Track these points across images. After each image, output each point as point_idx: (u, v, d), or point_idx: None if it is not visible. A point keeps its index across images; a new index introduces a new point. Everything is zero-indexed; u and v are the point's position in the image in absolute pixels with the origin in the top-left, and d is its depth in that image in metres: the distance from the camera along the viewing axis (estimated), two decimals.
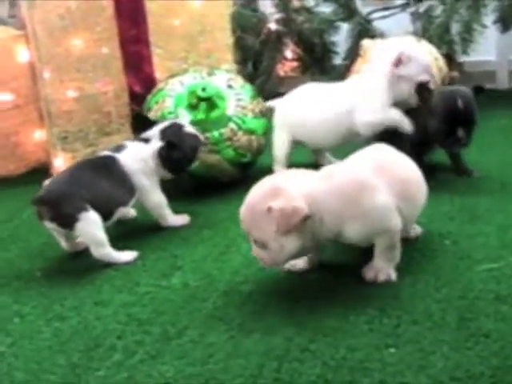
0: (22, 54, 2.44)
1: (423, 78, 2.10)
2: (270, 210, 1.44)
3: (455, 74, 2.86)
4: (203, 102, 2.09)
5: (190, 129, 1.98)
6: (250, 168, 2.28)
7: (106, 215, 1.80)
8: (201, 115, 2.11)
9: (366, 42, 2.61)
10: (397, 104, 2.13)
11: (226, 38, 2.50)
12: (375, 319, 1.44)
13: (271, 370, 1.31)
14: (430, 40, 2.67)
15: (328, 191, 1.51)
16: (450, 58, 2.76)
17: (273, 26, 3.16)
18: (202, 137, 2.01)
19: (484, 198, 1.99)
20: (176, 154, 1.93)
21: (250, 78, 3.12)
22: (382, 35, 2.95)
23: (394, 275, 1.57)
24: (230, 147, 2.11)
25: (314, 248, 1.58)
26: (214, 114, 2.13)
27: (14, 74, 2.45)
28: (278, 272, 1.65)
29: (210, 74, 2.20)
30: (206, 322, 1.50)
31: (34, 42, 2.28)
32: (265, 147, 2.34)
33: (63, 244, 1.88)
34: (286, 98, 2.32)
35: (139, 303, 1.60)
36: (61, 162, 2.40)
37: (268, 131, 2.32)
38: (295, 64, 3.28)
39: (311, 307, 1.51)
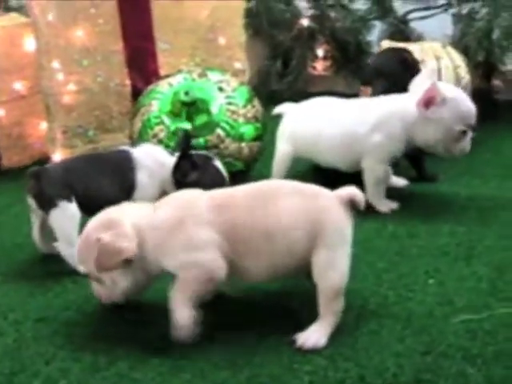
0: (29, 43, 2.36)
1: (458, 127, 1.81)
2: (98, 241, 1.36)
3: (497, 83, 2.63)
4: (186, 107, 1.95)
5: (217, 164, 1.83)
6: (242, 177, 2.13)
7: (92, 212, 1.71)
8: (183, 121, 1.97)
9: (385, 43, 2.42)
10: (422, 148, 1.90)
11: (239, 35, 2.35)
12: (320, 371, 1.28)
13: None
14: (468, 46, 2.45)
15: (152, 225, 1.39)
16: (490, 67, 2.53)
17: (305, 22, 2.97)
18: (226, 178, 1.83)
19: (490, 232, 1.78)
20: (192, 180, 1.77)
21: (279, 76, 3.00)
22: (419, 37, 2.74)
23: (322, 342, 1.35)
24: (218, 155, 1.96)
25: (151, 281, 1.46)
26: (199, 119, 1.99)
27: (20, 63, 2.38)
28: (222, 312, 1.50)
29: (201, 75, 2.06)
30: (141, 354, 1.37)
31: (34, 30, 2.19)
32: (261, 153, 2.18)
33: (37, 238, 1.79)
34: (296, 107, 2.07)
35: (83, 324, 1.50)
36: (59, 158, 2.31)
37: (263, 137, 2.15)
38: (327, 63, 3.09)
39: (252, 350, 1.35)
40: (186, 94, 1.96)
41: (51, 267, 1.75)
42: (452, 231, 1.78)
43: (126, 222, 1.39)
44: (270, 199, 1.38)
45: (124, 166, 1.76)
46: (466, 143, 1.85)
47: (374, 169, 1.89)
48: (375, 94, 2.12)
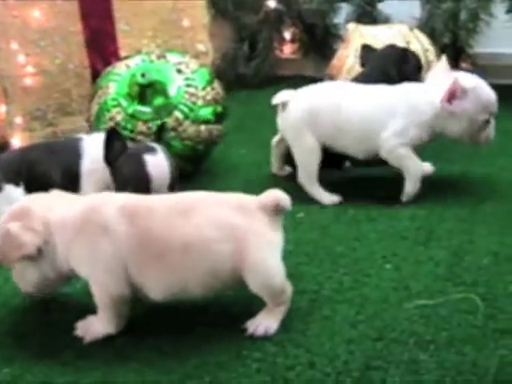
0: None
1: (481, 117, 1.78)
2: (6, 231, 1.33)
3: (465, 66, 2.60)
4: (143, 89, 1.90)
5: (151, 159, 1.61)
6: (202, 161, 2.08)
7: None
8: (143, 103, 1.92)
9: (351, 26, 2.38)
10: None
11: (201, 17, 2.29)
12: (269, 358, 1.25)
13: None
14: (434, 28, 2.41)
15: (61, 222, 1.33)
16: (457, 49, 2.50)
17: (272, 3, 2.92)
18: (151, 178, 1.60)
19: (451, 216, 1.75)
20: (117, 177, 1.64)
21: (246, 59, 2.95)
22: (386, 20, 2.70)
23: (273, 328, 1.32)
24: (176, 138, 1.91)
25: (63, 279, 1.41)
26: (156, 101, 1.94)
27: None
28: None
29: (160, 56, 2.00)
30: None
31: None
32: (221, 137, 2.12)
33: None
34: (306, 92, 1.88)
35: (28, 311, 1.46)
36: (18, 142, 2.25)
37: (223, 120, 2.11)
38: (295, 46, 3.05)
39: (203, 337, 1.32)
40: (143, 75, 1.91)
41: None
42: (412, 215, 1.76)
43: (37, 215, 1.33)
44: (190, 210, 1.30)
45: (71, 154, 1.70)
46: (491, 130, 1.82)
47: (396, 152, 1.80)
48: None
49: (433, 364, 1.20)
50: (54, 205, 1.36)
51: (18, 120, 2.25)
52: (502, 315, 1.33)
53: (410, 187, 1.82)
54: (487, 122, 1.80)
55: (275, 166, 2.05)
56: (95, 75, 2.24)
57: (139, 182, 1.53)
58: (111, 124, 1.92)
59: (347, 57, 2.33)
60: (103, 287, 1.30)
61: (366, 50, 2.10)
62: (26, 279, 1.37)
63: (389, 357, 1.23)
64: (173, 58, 2.03)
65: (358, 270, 1.53)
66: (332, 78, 2.39)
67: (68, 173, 1.68)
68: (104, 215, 1.30)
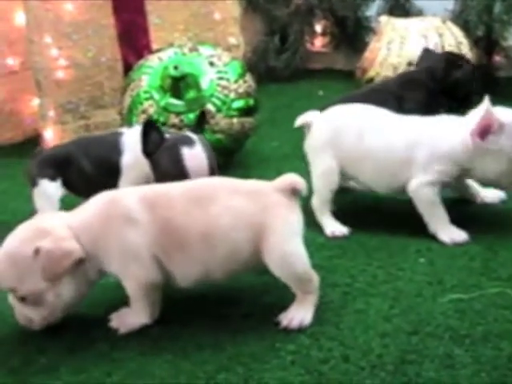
0: (19, 17, 2.32)
1: None
2: (37, 252, 1.26)
3: (498, 59, 2.56)
4: (177, 82, 1.91)
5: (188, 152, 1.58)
6: (234, 154, 2.09)
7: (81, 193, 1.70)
8: (176, 96, 1.92)
9: (383, 19, 2.36)
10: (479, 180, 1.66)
11: (233, 10, 2.29)
12: (303, 350, 1.25)
13: None
14: (468, 21, 2.39)
15: (82, 224, 1.32)
16: (491, 42, 2.46)
17: None
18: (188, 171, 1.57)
19: (485, 211, 1.73)
20: (156, 169, 1.62)
21: (276, 52, 2.94)
22: (419, 12, 2.68)
23: (307, 320, 1.31)
24: (208, 131, 1.91)
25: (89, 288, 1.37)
26: (189, 94, 1.94)
27: (11, 38, 2.34)
28: (200, 288, 1.43)
29: (192, 49, 2.00)
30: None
31: (24, 4, 2.15)
32: (253, 130, 2.13)
33: None
34: (330, 113, 1.75)
35: None
36: (51, 134, 2.27)
37: (255, 113, 2.10)
38: (326, 39, 3.03)
39: (237, 329, 1.32)
40: (176, 68, 1.91)
41: None
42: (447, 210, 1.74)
43: (57, 226, 1.30)
44: (207, 199, 1.31)
45: (111, 149, 1.69)
46: None
47: (422, 193, 1.61)
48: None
49: (468, 359, 1.19)
50: (62, 216, 1.36)
51: (51, 113, 2.27)
52: None
53: (431, 227, 1.63)
54: None
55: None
56: (127, 68, 2.25)
57: (177, 177, 1.52)
58: (144, 117, 1.93)
59: (379, 49, 2.32)
60: (135, 278, 1.31)
61: (426, 52, 2.06)
62: (62, 299, 1.30)
63: (424, 351, 1.22)
64: (205, 50, 2.03)
65: (391, 264, 1.52)
66: (364, 70, 2.37)
67: (107, 167, 1.68)
68: (126, 207, 1.30)
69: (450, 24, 2.31)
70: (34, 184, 1.70)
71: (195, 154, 1.57)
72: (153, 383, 1.19)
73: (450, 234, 1.59)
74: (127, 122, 2.01)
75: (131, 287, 1.33)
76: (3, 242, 1.29)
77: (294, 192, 1.34)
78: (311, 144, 1.75)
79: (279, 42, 2.91)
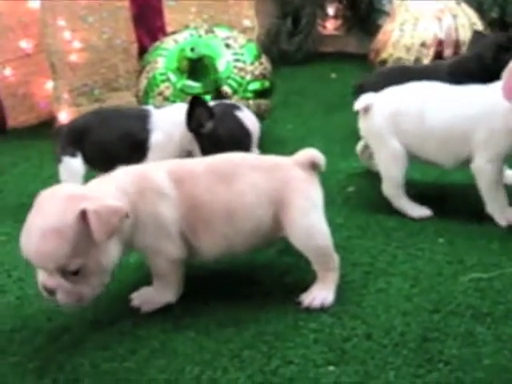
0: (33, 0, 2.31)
1: None
2: (83, 214, 1.18)
3: None
4: (192, 63, 1.91)
5: (242, 114, 1.66)
6: None
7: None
8: (193, 77, 1.93)
9: (396, 0, 2.36)
10: None
11: None
12: (326, 328, 1.26)
13: (190, 377, 1.16)
14: (482, 2, 2.38)
15: (118, 193, 1.27)
16: (505, 24, 2.46)
17: None
18: (251, 130, 1.66)
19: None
20: (208, 130, 1.64)
21: (289, 35, 2.93)
22: None
23: (329, 299, 1.32)
24: None
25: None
26: (206, 76, 1.94)
27: (25, 20, 2.34)
28: (222, 268, 1.47)
29: (208, 31, 2.01)
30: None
31: None
32: (268, 112, 2.13)
33: None
34: (389, 95, 1.70)
35: None
36: (65, 117, 2.28)
37: (271, 95, 2.09)
38: (338, 22, 3.02)
39: (257, 309, 1.33)
40: (192, 50, 1.92)
41: None
42: (465, 192, 1.74)
43: (89, 191, 1.27)
44: (230, 176, 1.33)
45: (139, 125, 1.69)
46: None
47: (483, 170, 1.57)
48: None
49: (490, 337, 1.20)
50: (93, 185, 1.31)
51: (65, 95, 2.27)
52: None
53: (489, 207, 1.60)
54: None
55: (365, 161, 1.89)
56: (142, 51, 2.25)
57: (242, 139, 1.56)
58: (160, 99, 1.94)
59: (393, 31, 2.31)
60: (164, 253, 1.31)
61: (477, 35, 2.03)
62: (105, 267, 1.24)
63: (445, 329, 1.23)
64: (221, 32, 2.03)
65: (411, 244, 1.52)
66: (377, 52, 2.37)
67: (131, 142, 1.68)
68: (157, 181, 1.30)
69: (464, 5, 2.30)
70: (58, 161, 1.72)
71: (248, 116, 1.66)
72: (177, 360, 1.20)
73: (508, 216, 1.58)
74: (143, 103, 2.01)
75: (159, 263, 1.34)
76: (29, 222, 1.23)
77: (313, 166, 1.36)
78: (373, 128, 1.68)
79: (292, 25, 2.90)
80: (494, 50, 1.86)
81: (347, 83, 2.75)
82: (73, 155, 1.70)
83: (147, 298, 1.37)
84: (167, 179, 1.31)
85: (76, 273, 1.20)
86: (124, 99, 2.27)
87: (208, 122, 1.62)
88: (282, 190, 1.32)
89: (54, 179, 1.28)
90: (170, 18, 2.27)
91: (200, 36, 2.00)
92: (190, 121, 1.63)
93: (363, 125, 1.72)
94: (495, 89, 1.51)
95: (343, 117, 2.37)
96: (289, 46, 2.91)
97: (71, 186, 1.38)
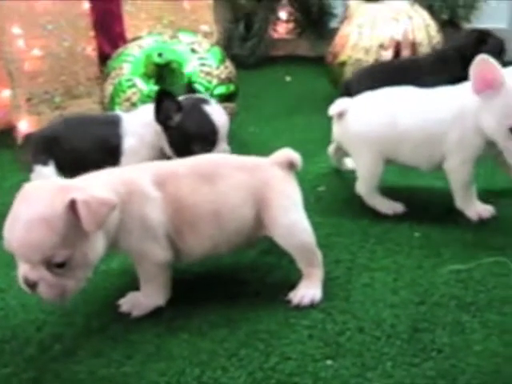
0: None
1: (509, 123, 1.46)
2: (73, 204, 1.14)
3: None
4: (161, 69, 1.92)
5: (209, 108, 1.67)
6: None
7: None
8: (160, 83, 1.93)
9: (353, 3, 2.42)
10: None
11: None
12: (318, 324, 1.29)
13: (191, 378, 1.17)
14: (431, 5, 2.46)
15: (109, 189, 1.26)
16: (454, 25, 2.54)
17: None
18: (217, 124, 1.66)
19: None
20: (175, 123, 1.64)
21: (241, 40, 2.96)
22: None
23: (318, 296, 1.35)
24: None
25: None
26: (173, 81, 1.95)
27: None
28: (207, 270, 1.49)
29: (173, 36, 2.02)
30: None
31: None
32: (234, 115, 2.15)
33: None
34: (363, 101, 1.72)
35: None
36: (25, 126, 2.24)
37: (236, 98, 2.12)
38: (290, 26, 3.07)
39: (247, 308, 1.35)
40: (160, 55, 1.92)
41: None
42: (432, 187, 1.80)
43: (78, 183, 1.24)
44: (213, 177, 1.34)
45: (112, 130, 1.69)
46: None
47: (457, 172, 1.61)
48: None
49: (476, 324, 1.25)
50: (79, 181, 1.28)
51: (24, 104, 2.24)
52: None
53: (459, 203, 1.65)
54: None
55: (336, 162, 1.93)
56: (102, 57, 2.24)
57: (207, 133, 1.58)
58: (127, 105, 1.93)
59: (350, 33, 2.36)
60: (150, 256, 1.31)
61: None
62: (91, 259, 1.21)
63: (433, 319, 1.28)
64: (185, 37, 2.04)
65: (387, 240, 1.57)
66: (335, 55, 2.42)
67: (106, 148, 1.67)
68: (142, 184, 1.30)
69: (417, 7, 2.37)
70: (30, 170, 1.69)
71: (217, 110, 1.67)
72: (175, 363, 1.21)
73: (476, 209, 1.63)
74: (110, 110, 2.00)
75: (146, 266, 1.34)
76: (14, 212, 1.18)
77: (290, 166, 1.40)
78: (348, 133, 1.71)
79: (244, 30, 2.93)
80: (474, 43, 1.93)
81: (303, 86, 2.82)
82: (45, 164, 1.68)
83: (136, 302, 1.37)
84: (151, 182, 1.31)
85: (61, 265, 1.17)
86: (85, 106, 2.25)
87: (176, 114, 1.64)
88: (263, 189, 1.35)
89: (15, 189, 1.24)
90: (130, 24, 2.26)
91: (165, 41, 2.01)
92: (158, 113, 1.64)
93: (338, 129, 1.75)
94: (464, 90, 1.54)
95: (303, 119, 2.42)
96: (242, 50, 2.93)
97: (57, 179, 1.36)
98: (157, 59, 1.92)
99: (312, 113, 2.46)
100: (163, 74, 1.94)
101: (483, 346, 1.20)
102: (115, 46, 2.18)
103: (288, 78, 2.86)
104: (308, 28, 2.99)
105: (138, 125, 1.69)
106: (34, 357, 1.26)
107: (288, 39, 3.10)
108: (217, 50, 2.09)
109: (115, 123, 1.70)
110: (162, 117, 1.64)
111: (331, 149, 1.91)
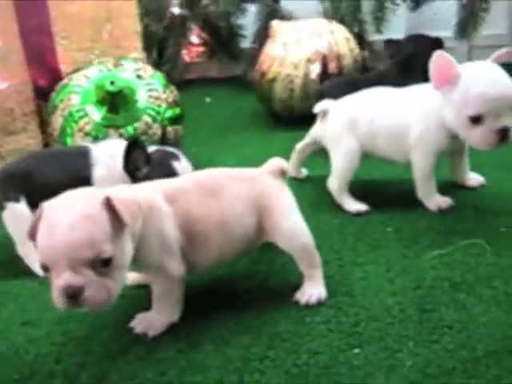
0: None
1: (468, 112, 1.59)
2: (107, 201, 1.19)
3: (365, 53, 2.83)
4: (114, 97, 1.94)
5: (177, 164, 1.72)
6: None
7: None
8: (113, 110, 1.96)
9: (275, 23, 2.54)
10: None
11: (134, 25, 2.33)
12: (332, 319, 1.37)
13: None
14: (342, 20, 2.63)
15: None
16: (361, 38, 2.72)
17: (176, 10, 3.01)
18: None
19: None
20: (142, 175, 1.67)
21: (155, 66, 2.99)
22: (290, 17, 2.88)
23: (324, 294, 1.44)
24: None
25: None
26: (126, 108, 1.99)
27: None
28: (206, 283, 1.55)
29: (117, 65, 2.05)
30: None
31: None
32: (182, 137, 2.22)
33: None
34: (345, 102, 1.89)
35: (74, 320, 1.45)
36: None
37: (182, 120, 2.19)
38: (201, 49, 3.15)
39: (260, 313, 1.41)
40: (112, 83, 1.94)
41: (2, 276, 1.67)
42: (392, 186, 1.96)
43: (101, 191, 1.26)
44: (216, 189, 1.41)
45: (81, 162, 1.70)
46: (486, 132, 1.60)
47: (419, 163, 1.77)
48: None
49: (473, 300, 1.38)
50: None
51: None
52: (506, 252, 1.54)
53: (420, 194, 1.81)
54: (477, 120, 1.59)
55: (294, 170, 2.04)
56: (38, 91, 2.22)
57: None
58: (81, 135, 1.94)
59: (276, 51, 2.47)
60: (169, 271, 1.35)
61: (390, 43, 2.34)
62: (126, 256, 1.24)
63: (434, 300, 1.39)
64: (129, 65, 2.07)
65: (364, 236, 1.68)
66: (263, 73, 2.52)
67: (80, 180, 1.65)
68: (158, 201, 1.34)
69: (335, 23, 2.53)
70: (1, 208, 1.65)
71: (185, 167, 1.71)
72: (211, 373, 1.24)
73: (436, 201, 1.78)
74: (61, 143, 2.00)
75: (162, 282, 1.37)
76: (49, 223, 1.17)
77: (282, 174, 1.49)
78: (330, 130, 1.88)
79: (157, 56, 2.98)
80: (432, 47, 2.10)
81: (224, 105, 2.92)
82: (17, 200, 1.65)
83: (150, 322, 1.39)
84: (163, 199, 1.36)
85: (106, 263, 1.17)
86: (21, 142, 2.21)
87: (144, 166, 1.68)
88: (262, 197, 1.43)
89: None
90: (63, 55, 2.25)
91: (110, 70, 2.03)
92: (127, 163, 1.68)
93: (321, 127, 1.93)
94: (427, 88, 1.70)
95: (238, 136, 2.51)
96: None
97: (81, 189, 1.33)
98: (110, 87, 1.93)
99: (244, 130, 2.56)
100: (115, 101, 1.96)
101: (487, 317, 1.32)
102: (50, 79, 2.16)
103: (208, 99, 2.95)
104: (218, 50, 3.08)
105: (109, 156, 1.72)
106: None
107: (199, 62, 3.18)
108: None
109: (85, 154, 1.72)
110: (130, 167, 1.68)
111: (299, 145, 2.03)
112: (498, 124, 1.57)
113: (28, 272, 1.64)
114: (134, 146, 1.65)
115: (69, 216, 1.16)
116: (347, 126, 1.83)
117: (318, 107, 1.91)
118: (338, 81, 2.26)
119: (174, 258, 1.35)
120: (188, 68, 3.13)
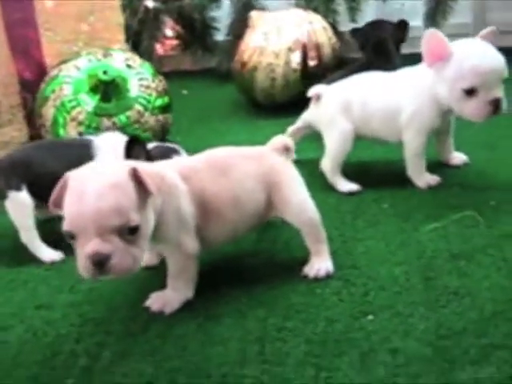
0: None
1: (462, 85, 1.67)
2: (135, 171, 1.22)
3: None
4: (107, 86, 1.97)
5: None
6: None
7: None
8: (105, 100, 1.99)
9: (254, 14, 2.60)
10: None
11: (117, 17, 2.36)
12: (342, 290, 1.42)
13: (255, 354, 1.25)
14: (317, 10, 2.69)
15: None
16: (334, 28, 2.79)
17: (150, 3, 3.03)
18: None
19: None
20: None
21: None
22: (264, 9, 2.94)
23: (331, 267, 1.50)
24: (139, 130, 2.00)
25: None
26: (118, 97, 2.02)
27: None
28: (214, 259, 1.59)
29: (106, 55, 2.08)
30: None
31: None
32: (172, 125, 2.26)
33: None
34: (338, 86, 1.96)
35: (87, 302, 1.48)
36: None
37: (171, 108, 2.23)
38: (175, 42, 3.19)
39: (270, 288, 1.46)
40: (105, 73, 1.96)
41: (9, 263, 1.68)
42: (382, 167, 2.03)
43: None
44: (226, 167, 1.47)
45: (84, 154, 1.71)
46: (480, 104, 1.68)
47: (411, 142, 1.85)
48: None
49: (474, 267, 1.45)
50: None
51: None
52: (497, 224, 1.62)
53: (410, 171, 1.89)
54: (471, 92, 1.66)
55: None
56: (23, 84, 2.22)
57: None
58: (74, 124, 1.96)
59: (256, 41, 2.52)
60: (185, 247, 1.39)
61: (356, 31, 2.47)
62: (150, 224, 1.28)
63: (437, 269, 1.46)
64: (118, 55, 2.09)
65: (361, 214, 1.75)
66: (244, 63, 2.57)
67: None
68: (174, 178, 1.39)
69: (311, 13, 2.59)
70: (3, 197, 1.66)
71: None
72: (232, 345, 1.28)
73: (425, 179, 1.86)
74: (53, 134, 2.01)
75: (178, 259, 1.41)
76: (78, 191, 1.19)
77: (286, 150, 1.55)
78: (324, 114, 1.94)
79: (132, 50, 2.98)
80: (397, 28, 2.23)
81: (203, 97, 2.96)
82: (18, 189, 1.67)
83: (165, 300, 1.43)
84: (178, 177, 1.40)
85: (134, 231, 1.20)
86: (7, 135, 2.21)
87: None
88: (270, 174, 1.49)
89: None
90: (48, 47, 2.25)
91: (99, 60, 2.05)
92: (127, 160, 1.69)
93: (314, 111, 1.98)
94: (419, 69, 1.80)
95: (223, 124, 2.55)
96: None
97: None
98: (103, 76, 1.96)
99: (227, 119, 2.61)
100: (108, 91, 1.98)
101: (489, 282, 1.40)
102: (36, 72, 2.17)
103: (185, 91, 2.98)
104: (193, 43, 3.12)
105: (110, 146, 1.75)
106: (90, 365, 1.27)
107: (174, 55, 3.21)
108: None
109: (87, 145, 1.74)
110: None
111: (289, 132, 2.09)
112: (491, 95, 1.65)
113: (32, 259, 1.66)
114: (134, 143, 1.67)
115: (97, 185, 1.18)
116: (341, 109, 1.90)
117: (312, 91, 1.97)
118: (332, 78, 2.31)
119: (190, 235, 1.40)
120: (164, 61, 3.14)
